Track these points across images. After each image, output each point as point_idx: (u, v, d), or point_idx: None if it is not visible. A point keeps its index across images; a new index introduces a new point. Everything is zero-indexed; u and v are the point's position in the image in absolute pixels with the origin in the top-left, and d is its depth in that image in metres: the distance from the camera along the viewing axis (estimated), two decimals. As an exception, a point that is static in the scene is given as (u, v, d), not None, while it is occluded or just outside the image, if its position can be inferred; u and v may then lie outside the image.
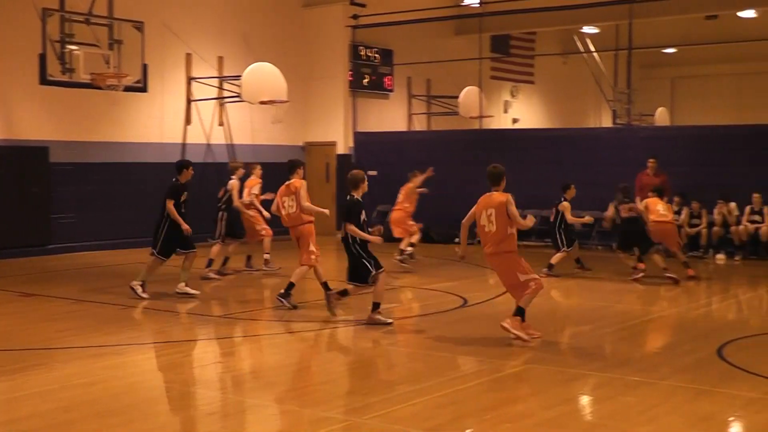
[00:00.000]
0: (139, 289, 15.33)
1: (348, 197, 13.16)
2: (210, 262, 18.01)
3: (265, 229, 18.61)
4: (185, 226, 15.37)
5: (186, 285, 15.49)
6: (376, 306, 12.99)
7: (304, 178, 14.85)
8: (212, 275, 17.80)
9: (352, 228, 12.91)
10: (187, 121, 25.38)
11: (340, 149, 28.05)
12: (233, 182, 18.47)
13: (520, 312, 11.70)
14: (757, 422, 8.29)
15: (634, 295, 16.35)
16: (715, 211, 21.36)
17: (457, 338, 12.40)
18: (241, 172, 18.59)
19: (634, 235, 17.89)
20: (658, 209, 17.82)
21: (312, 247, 14.59)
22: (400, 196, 20.47)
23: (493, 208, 11.66)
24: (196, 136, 25.62)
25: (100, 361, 10.80)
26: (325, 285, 14.46)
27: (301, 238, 14.54)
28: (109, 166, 23.42)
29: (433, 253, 22.35)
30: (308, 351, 11.71)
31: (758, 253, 21.01)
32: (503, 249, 11.69)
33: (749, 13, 30.27)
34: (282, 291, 14.34)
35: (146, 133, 24.37)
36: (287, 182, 14.68)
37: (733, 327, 13.50)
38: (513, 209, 11.60)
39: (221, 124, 26.25)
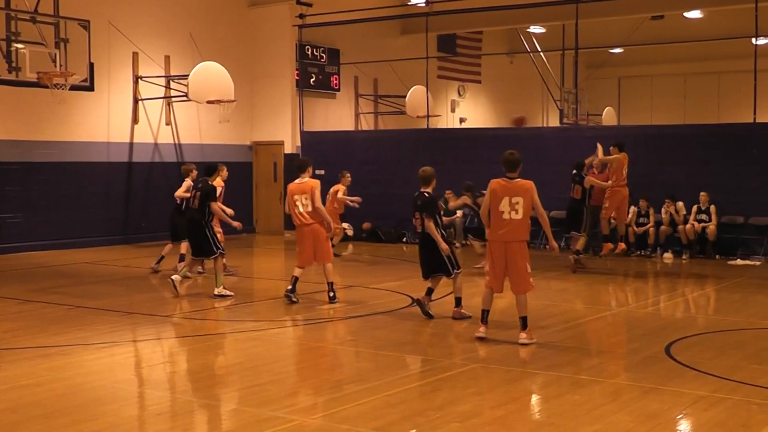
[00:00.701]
0: (225, 292, 15.55)
1: (423, 193, 13.33)
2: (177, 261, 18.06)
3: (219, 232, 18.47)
4: (237, 224, 16.16)
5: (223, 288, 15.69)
6: (458, 301, 13.42)
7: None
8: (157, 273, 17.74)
9: (431, 226, 13.12)
10: (135, 120, 25.23)
11: (288, 149, 28.03)
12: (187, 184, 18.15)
13: (525, 322, 11.71)
14: (704, 420, 8.36)
15: (580, 294, 16.48)
16: (663, 209, 21.55)
17: (405, 338, 12.45)
18: (194, 174, 18.10)
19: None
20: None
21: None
22: (329, 196, 20.46)
23: (520, 195, 11.57)
24: (143, 135, 25.47)
25: (48, 362, 10.73)
26: (330, 285, 14.96)
27: (316, 236, 14.72)
28: (56, 166, 23.24)
29: (380, 252, 22.39)
30: (256, 351, 11.68)
31: (705, 251, 21.23)
32: (521, 237, 11.67)
33: (695, 14, 30.51)
34: (330, 294, 14.87)
35: (93, 132, 24.20)
36: (299, 181, 14.83)
37: (681, 325, 13.60)
38: (537, 197, 11.68)
39: (168, 123, 26.12)
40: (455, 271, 13.29)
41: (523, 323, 11.66)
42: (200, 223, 15.66)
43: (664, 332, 12.49)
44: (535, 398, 9.45)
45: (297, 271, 14.87)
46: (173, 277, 15.69)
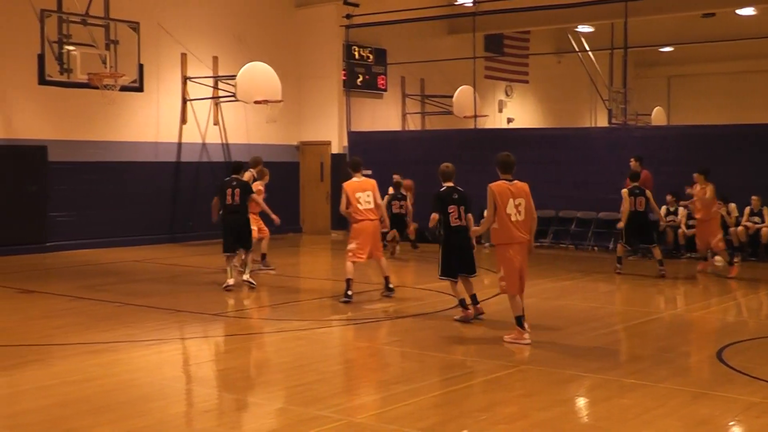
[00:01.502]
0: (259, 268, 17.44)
1: (460, 189, 13.76)
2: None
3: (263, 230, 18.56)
4: (275, 217, 17.60)
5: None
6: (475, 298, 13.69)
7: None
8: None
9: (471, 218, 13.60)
10: (183, 120, 25.39)
11: (335, 149, 28.05)
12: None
13: (520, 321, 11.82)
14: (756, 426, 8.24)
15: (630, 297, 16.34)
16: (714, 210, 21.25)
17: (453, 338, 12.41)
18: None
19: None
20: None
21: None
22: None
23: (522, 197, 11.80)
24: (191, 135, 25.63)
25: (96, 358, 10.82)
26: (387, 279, 15.38)
27: (376, 232, 15.09)
28: (106, 165, 23.45)
29: (426, 253, 22.32)
30: (302, 350, 11.70)
31: (757, 254, 20.96)
32: (528, 238, 11.92)
33: (748, 11, 30.16)
34: (386, 288, 15.30)
35: (142, 132, 24.39)
36: (358, 179, 15.11)
37: (732, 329, 13.37)
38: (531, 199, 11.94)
39: (216, 123, 26.26)
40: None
41: (520, 321, 11.82)
42: (244, 217, 16.58)
43: (715, 336, 12.36)
44: (582, 401, 9.38)
45: (351, 270, 14.92)
46: (244, 277, 16.39)
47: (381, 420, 8.28)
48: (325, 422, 8.22)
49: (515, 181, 11.88)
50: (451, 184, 13.74)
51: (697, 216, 18.95)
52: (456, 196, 13.47)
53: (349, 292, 14.76)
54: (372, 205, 14.91)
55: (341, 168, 27.65)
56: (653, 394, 9.22)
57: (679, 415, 8.49)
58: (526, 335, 11.74)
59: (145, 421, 8.35)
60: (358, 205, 14.79)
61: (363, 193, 14.85)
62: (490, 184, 11.89)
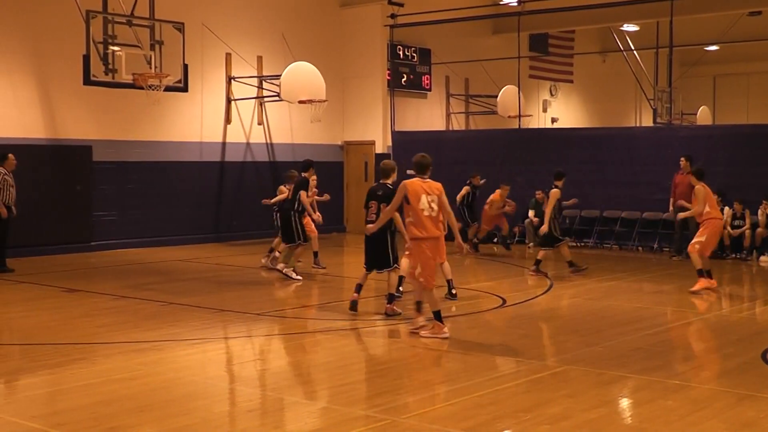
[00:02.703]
0: (293, 274, 17.20)
1: (386, 185, 13.82)
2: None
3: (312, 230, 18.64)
4: (317, 216, 18.26)
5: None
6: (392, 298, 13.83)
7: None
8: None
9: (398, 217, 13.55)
10: (227, 120, 25.51)
11: (379, 148, 28.08)
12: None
13: (438, 316, 12.07)
14: (800, 427, 8.19)
15: (674, 298, 16.21)
16: (759, 211, 21.03)
17: (495, 338, 12.39)
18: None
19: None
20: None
21: None
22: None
23: (435, 194, 12.14)
24: (235, 135, 25.74)
25: (140, 357, 10.89)
26: (450, 282, 15.27)
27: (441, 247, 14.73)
28: (150, 165, 23.62)
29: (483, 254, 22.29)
30: (346, 349, 11.72)
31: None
32: (440, 233, 12.22)
33: (795, 9, 29.95)
34: (450, 292, 15.18)
35: (187, 132, 24.54)
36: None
37: (777, 330, 13.32)
38: (445, 197, 12.29)
39: (260, 123, 26.36)
40: (394, 265, 13.72)
41: (439, 316, 12.06)
42: (289, 212, 17.40)
43: (760, 338, 12.23)
44: (626, 402, 9.33)
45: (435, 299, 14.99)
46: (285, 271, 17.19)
47: (424, 420, 8.28)
48: (368, 422, 8.23)
49: (428, 180, 12.23)
50: (389, 180, 13.76)
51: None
52: (380, 193, 13.61)
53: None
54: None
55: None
56: (698, 396, 9.16)
57: (723, 417, 8.42)
58: (446, 329, 11.96)
59: (188, 419, 8.39)
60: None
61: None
62: (404, 181, 12.21)
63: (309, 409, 8.95)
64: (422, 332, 12.08)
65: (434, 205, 12.07)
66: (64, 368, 10.37)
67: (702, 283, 15.93)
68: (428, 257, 12.13)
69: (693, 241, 16.37)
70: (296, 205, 17.45)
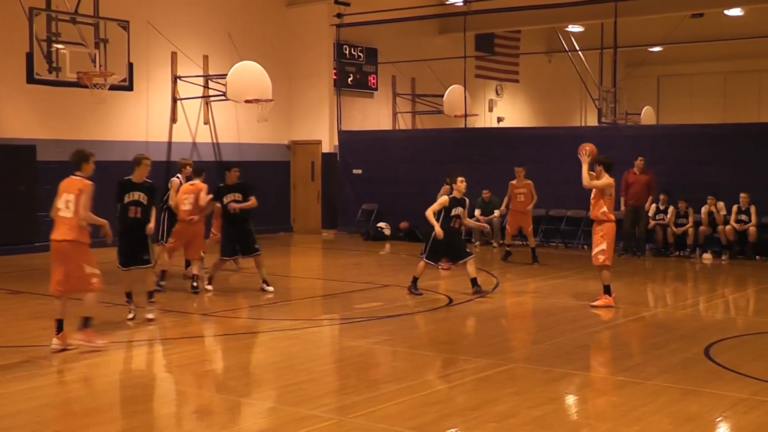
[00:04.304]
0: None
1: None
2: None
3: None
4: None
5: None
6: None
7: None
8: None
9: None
10: (173, 119, 25.36)
11: (325, 148, 28.05)
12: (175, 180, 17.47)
13: (87, 322, 11.39)
14: (744, 423, 8.27)
15: (620, 295, 16.31)
16: (703, 209, 21.20)
17: (442, 337, 12.43)
18: (188, 170, 17.22)
19: None
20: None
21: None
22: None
23: (73, 193, 11.48)
24: (181, 134, 25.59)
25: (86, 359, 10.79)
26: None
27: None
28: (96, 165, 23.24)
29: (417, 251, 22.30)
30: (293, 349, 11.70)
31: (745, 252, 20.98)
32: (77, 238, 11.43)
33: (736, 11, 30.26)
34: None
35: (132, 131, 24.32)
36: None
37: (720, 327, 13.45)
38: (85, 199, 11.52)
39: (207, 122, 26.23)
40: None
41: (85, 322, 11.40)
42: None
43: (703, 334, 12.38)
44: (572, 399, 9.40)
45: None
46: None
47: (371, 419, 8.29)
48: (315, 422, 8.22)
49: (75, 177, 11.69)
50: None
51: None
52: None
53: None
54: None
55: (332, 167, 27.70)
56: (642, 391, 9.25)
57: (668, 411, 8.52)
58: (101, 341, 11.39)
59: (135, 422, 8.34)
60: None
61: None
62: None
63: (256, 409, 8.92)
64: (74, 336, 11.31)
65: (71, 205, 11.41)
66: (7, 371, 10.24)
67: (606, 300, 14.55)
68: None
69: (594, 252, 14.72)
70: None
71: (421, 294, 15.44)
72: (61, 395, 9.20)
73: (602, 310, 14.22)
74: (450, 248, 15.51)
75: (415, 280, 15.57)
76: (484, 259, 20.46)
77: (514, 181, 20.76)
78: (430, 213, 15.24)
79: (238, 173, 16.28)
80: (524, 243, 21.26)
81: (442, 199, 15.56)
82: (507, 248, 20.74)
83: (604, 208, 14.62)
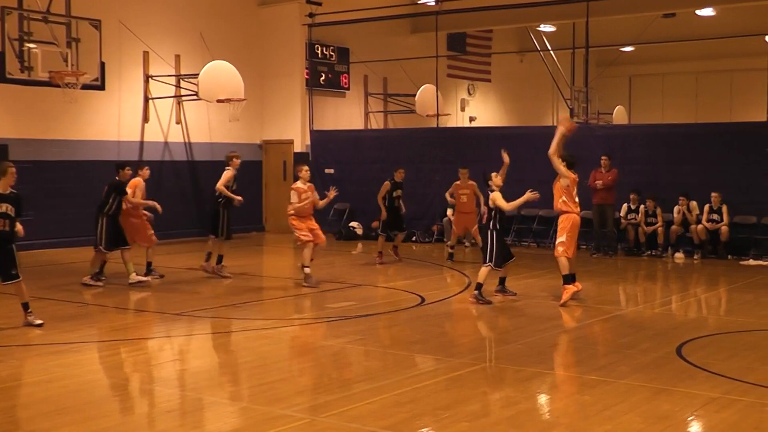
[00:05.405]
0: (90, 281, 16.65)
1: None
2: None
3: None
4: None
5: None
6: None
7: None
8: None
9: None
10: (145, 119, 25.28)
11: (297, 147, 28.04)
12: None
13: None
14: (716, 421, 8.31)
15: (591, 294, 16.39)
16: (676, 208, 21.31)
17: (414, 337, 12.44)
18: (236, 162, 18.17)
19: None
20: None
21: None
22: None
23: None
24: (153, 134, 25.53)
25: (58, 359, 10.76)
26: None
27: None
28: (68, 164, 23.30)
29: (390, 251, 22.34)
30: (265, 349, 11.69)
31: (717, 252, 21.09)
32: None
33: (707, 11, 30.38)
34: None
35: (104, 131, 24.25)
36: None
37: (692, 326, 13.54)
38: None
39: (179, 122, 26.16)
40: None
41: None
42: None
43: (675, 333, 12.45)
44: (544, 398, 9.43)
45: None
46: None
47: (343, 419, 8.29)
48: (287, 421, 8.23)
49: None
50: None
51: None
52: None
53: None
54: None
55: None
56: (614, 390, 9.29)
57: (640, 410, 8.56)
58: None
59: (107, 421, 8.32)
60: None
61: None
62: None
63: (228, 409, 8.91)
64: None
65: None
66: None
67: (569, 290, 14.56)
68: None
69: (556, 243, 14.98)
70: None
71: (490, 303, 14.76)
72: (34, 395, 9.17)
73: (572, 308, 14.26)
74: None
75: (479, 286, 14.74)
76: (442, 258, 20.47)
77: (458, 182, 20.82)
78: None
79: (131, 172, 17.42)
80: (472, 242, 21.51)
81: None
82: (450, 250, 20.74)
83: (563, 198, 14.99)
